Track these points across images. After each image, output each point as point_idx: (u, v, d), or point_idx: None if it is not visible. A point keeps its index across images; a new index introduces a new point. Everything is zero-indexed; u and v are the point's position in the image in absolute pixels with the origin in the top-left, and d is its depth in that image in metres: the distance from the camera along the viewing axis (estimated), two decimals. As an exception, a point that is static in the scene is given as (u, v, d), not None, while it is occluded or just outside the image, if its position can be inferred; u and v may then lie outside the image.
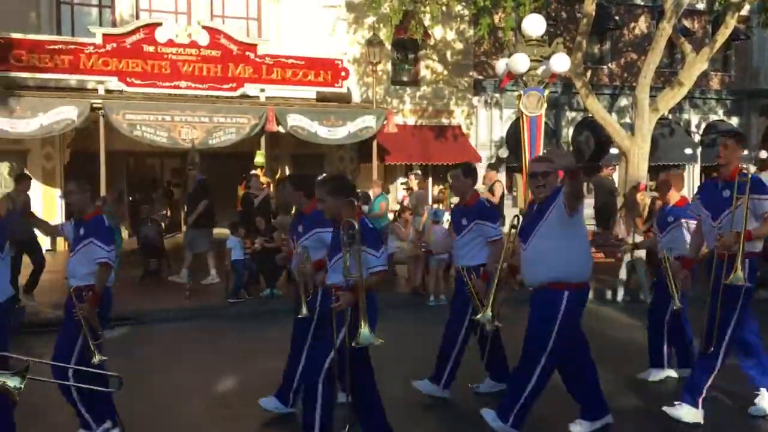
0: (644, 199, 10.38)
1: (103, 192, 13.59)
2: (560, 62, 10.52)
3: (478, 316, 5.17)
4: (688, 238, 5.80)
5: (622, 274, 10.45)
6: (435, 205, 12.31)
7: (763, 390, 5.29)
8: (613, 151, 19.70)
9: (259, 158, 13.61)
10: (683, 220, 5.99)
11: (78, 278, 4.77)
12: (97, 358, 4.59)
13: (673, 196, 6.24)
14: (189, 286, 10.24)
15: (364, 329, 4.13)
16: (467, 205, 5.65)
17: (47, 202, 15.63)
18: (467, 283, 5.46)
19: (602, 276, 11.41)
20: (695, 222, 5.58)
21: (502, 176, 20.70)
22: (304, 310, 5.04)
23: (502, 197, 13.55)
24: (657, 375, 6.24)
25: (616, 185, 15.25)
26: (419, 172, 15.36)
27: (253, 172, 12.59)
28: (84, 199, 4.92)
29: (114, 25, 16.43)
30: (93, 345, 4.63)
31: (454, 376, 5.68)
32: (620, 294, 10.47)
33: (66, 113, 13.41)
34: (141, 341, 8.16)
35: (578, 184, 4.24)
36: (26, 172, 11.17)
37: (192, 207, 11.17)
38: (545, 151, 4.27)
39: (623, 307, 10.14)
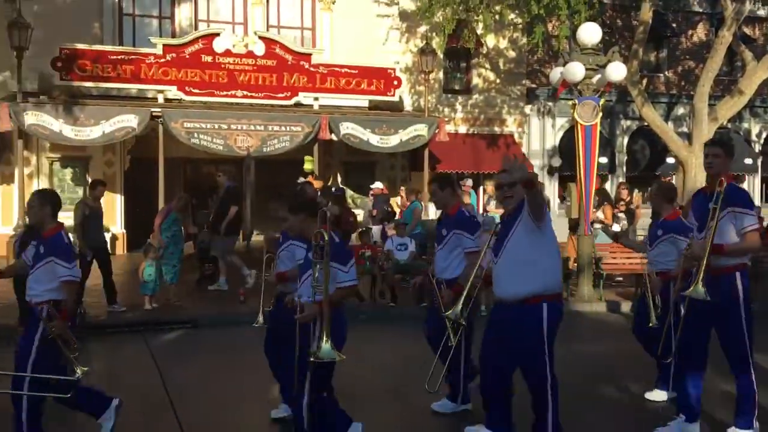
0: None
1: (161, 196, 14.01)
2: (616, 71, 10.36)
3: (448, 312, 5.08)
4: (676, 253, 5.59)
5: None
6: (485, 213, 12.26)
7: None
8: (670, 160, 19.29)
9: (308, 164, 13.76)
10: (673, 235, 5.73)
11: (37, 295, 4.65)
12: (79, 371, 4.54)
13: (665, 209, 5.98)
14: (244, 291, 10.43)
15: (326, 344, 4.02)
16: (448, 215, 5.57)
17: (108, 208, 16.06)
18: (437, 295, 5.39)
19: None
20: (683, 238, 5.46)
21: (554, 185, 20.53)
22: (261, 319, 5.28)
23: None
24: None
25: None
26: (470, 181, 15.28)
27: (305, 179, 12.74)
28: (43, 214, 4.73)
29: (173, 35, 16.89)
30: (71, 359, 4.57)
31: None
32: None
33: (127, 121, 13.87)
34: (197, 345, 8.33)
35: (537, 193, 4.14)
36: (100, 179, 11.47)
37: (219, 213, 11.10)
38: (505, 163, 4.04)
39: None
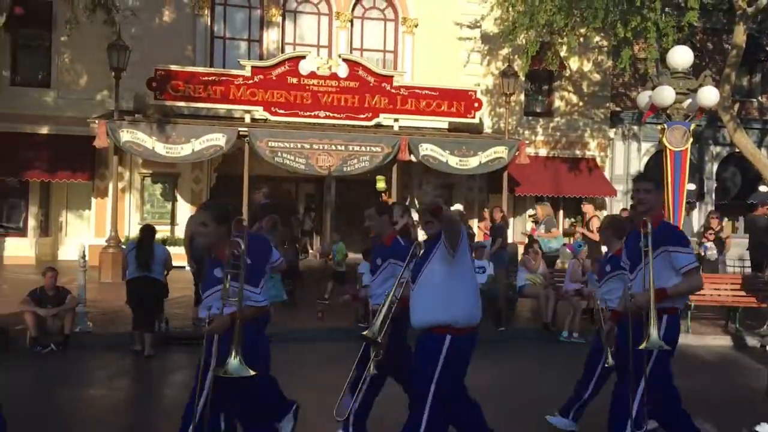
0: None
1: (244, 214, 14.38)
2: (709, 96, 10.04)
3: (366, 332, 4.85)
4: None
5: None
6: (569, 239, 12.04)
7: None
8: (763, 188, 18.43)
9: (380, 184, 13.83)
10: (622, 272, 5.19)
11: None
12: None
13: (614, 244, 5.62)
14: (322, 308, 10.56)
15: (234, 359, 3.89)
16: (384, 244, 5.35)
17: (193, 222, 16.70)
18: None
19: (752, 322, 10.70)
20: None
21: (637, 211, 19.92)
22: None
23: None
24: None
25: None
26: (547, 203, 15.04)
27: (392, 200, 12.83)
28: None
29: (261, 58, 17.45)
30: None
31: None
32: (772, 343, 9.72)
33: (215, 140, 14.36)
34: (277, 360, 8.46)
35: (448, 221, 3.93)
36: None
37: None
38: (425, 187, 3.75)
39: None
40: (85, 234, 16.58)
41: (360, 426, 5.27)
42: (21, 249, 16.61)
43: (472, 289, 4.24)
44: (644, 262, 4.33)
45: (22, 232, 16.90)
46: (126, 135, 14.12)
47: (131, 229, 16.05)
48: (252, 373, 3.92)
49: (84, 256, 9.43)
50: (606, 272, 5.66)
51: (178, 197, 17.27)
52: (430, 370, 4.12)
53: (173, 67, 15.31)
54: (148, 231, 8.82)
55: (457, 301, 4.10)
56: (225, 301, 3.94)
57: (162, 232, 15.12)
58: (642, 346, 4.31)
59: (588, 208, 13.31)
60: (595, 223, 12.58)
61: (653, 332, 4.22)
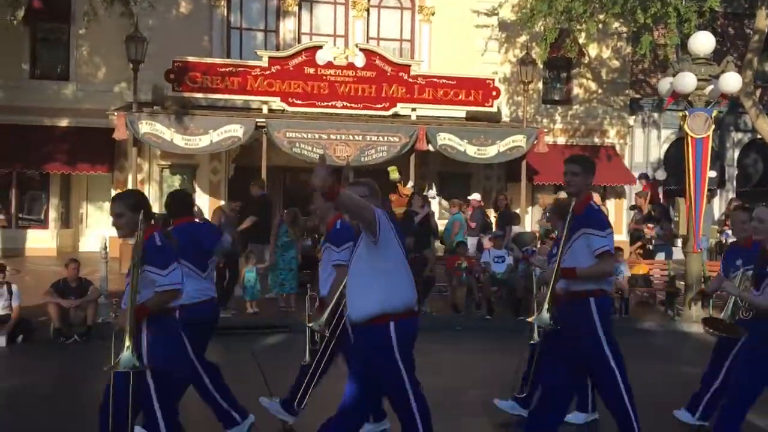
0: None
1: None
2: (731, 82, 9.87)
3: (312, 324, 4.86)
4: None
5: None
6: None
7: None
8: (786, 175, 18.23)
9: (394, 174, 13.64)
10: None
11: None
12: None
13: (560, 227, 5.56)
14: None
15: (126, 352, 3.74)
16: (327, 230, 5.24)
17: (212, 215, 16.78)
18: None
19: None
20: None
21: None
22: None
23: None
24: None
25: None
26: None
27: (409, 191, 12.79)
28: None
29: (278, 48, 17.42)
30: None
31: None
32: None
33: (233, 131, 14.40)
34: (296, 349, 8.51)
35: (346, 204, 3.69)
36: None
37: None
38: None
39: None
40: (105, 225, 16.64)
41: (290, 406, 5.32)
42: (42, 241, 16.78)
43: (403, 272, 4.08)
44: (564, 243, 4.46)
45: (43, 224, 17.07)
46: (145, 127, 14.19)
47: (151, 220, 16.13)
48: (139, 366, 3.76)
49: (105, 248, 9.52)
50: (553, 254, 5.61)
51: (197, 188, 17.35)
52: (392, 367, 3.99)
53: (190, 59, 15.33)
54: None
55: (390, 287, 3.97)
56: (135, 293, 3.83)
57: (181, 223, 15.21)
58: (530, 319, 4.49)
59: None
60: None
61: (545, 309, 4.30)
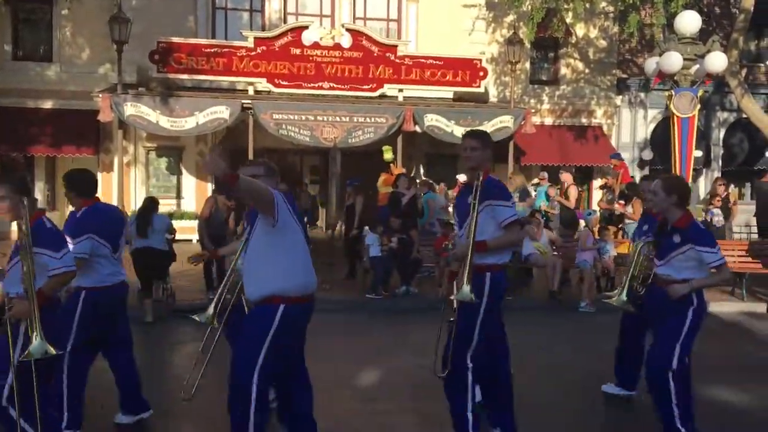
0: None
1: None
2: (717, 61, 9.93)
3: (198, 316, 4.78)
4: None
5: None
6: (580, 208, 12.01)
7: None
8: (770, 154, 18.37)
9: (388, 154, 13.64)
10: None
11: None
12: None
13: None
14: (329, 280, 10.62)
15: (36, 339, 3.70)
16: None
17: (199, 196, 16.72)
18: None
19: (758, 289, 10.72)
20: None
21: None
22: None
23: (578, 202, 12.98)
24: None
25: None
26: (545, 173, 14.95)
27: (399, 171, 12.78)
28: None
29: (263, 28, 17.27)
30: None
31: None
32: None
33: (219, 113, 14.30)
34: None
35: (244, 189, 3.63)
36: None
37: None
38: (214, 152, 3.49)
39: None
40: (91, 208, 16.61)
41: None
42: (28, 224, 16.66)
43: (303, 257, 4.06)
44: (470, 217, 4.41)
45: (29, 208, 16.94)
46: (130, 109, 14.07)
47: (137, 203, 16.07)
48: (54, 351, 3.76)
49: (92, 231, 9.48)
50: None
51: (183, 171, 17.27)
52: (259, 341, 3.91)
53: (175, 39, 15.18)
54: (148, 201, 9.22)
55: (286, 270, 3.94)
56: (32, 278, 3.78)
57: (167, 205, 15.16)
58: (452, 297, 4.40)
59: (566, 177, 13.29)
60: (572, 192, 12.54)
61: (465, 285, 4.25)
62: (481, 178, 4.48)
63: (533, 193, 13.18)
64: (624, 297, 4.69)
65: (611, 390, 5.86)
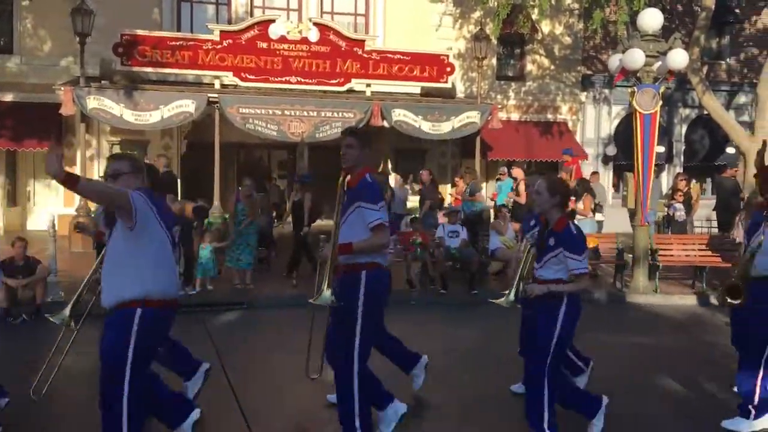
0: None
1: (216, 181, 14.29)
2: (678, 58, 10.09)
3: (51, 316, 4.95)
4: None
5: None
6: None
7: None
8: (730, 150, 18.79)
9: None
10: None
11: None
12: None
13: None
14: (296, 275, 10.61)
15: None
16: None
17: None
18: None
19: (717, 282, 10.96)
20: None
21: (609, 174, 20.16)
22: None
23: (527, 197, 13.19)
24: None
25: (741, 187, 14.45)
26: (505, 168, 15.12)
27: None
28: None
29: (230, 22, 17.12)
30: None
31: None
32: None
33: (185, 106, 14.13)
34: (253, 325, 8.53)
35: (91, 194, 3.62)
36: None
37: None
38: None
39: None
40: (53, 203, 16.33)
41: None
42: (-12, 219, 16.34)
43: (165, 260, 3.92)
44: (341, 218, 4.44)
45: (-12, 203, 16.61)
46: (92, 102, 13.82)
47: (101, 198, 15.83)
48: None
49: (54, 226, 9.31)
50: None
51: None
52: (122, 347, 3.79)
53: (139, 32, 14.93)
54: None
55: (146, 274, 3.80)
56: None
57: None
58: (312, 301, 4.39)
59: (518, 173, 13.45)
60: (523, 187, 12.68)
61: (325, 288, 4.26)
62: (348, 177, 4.44)
63: (492, 190, 13.29)
64: (512, 297, 4.70)
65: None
